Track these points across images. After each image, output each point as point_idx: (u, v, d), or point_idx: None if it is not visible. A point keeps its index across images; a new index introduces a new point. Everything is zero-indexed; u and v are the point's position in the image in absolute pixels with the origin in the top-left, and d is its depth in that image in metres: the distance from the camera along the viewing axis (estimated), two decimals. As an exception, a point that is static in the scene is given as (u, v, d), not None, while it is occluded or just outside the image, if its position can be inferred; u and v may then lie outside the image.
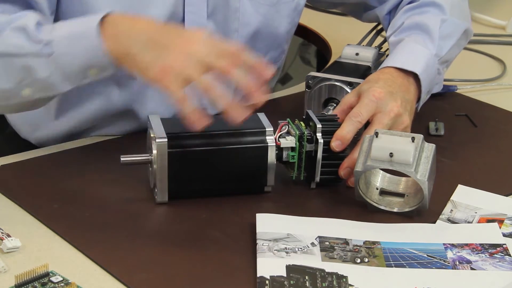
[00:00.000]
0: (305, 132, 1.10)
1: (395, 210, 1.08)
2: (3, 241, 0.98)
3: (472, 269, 0.97)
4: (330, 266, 0.96)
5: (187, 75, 1.01)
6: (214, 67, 1.01)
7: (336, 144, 1.10)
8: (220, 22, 1.28)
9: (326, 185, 1.13)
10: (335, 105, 1.24)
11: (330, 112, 1.22)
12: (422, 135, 1.06)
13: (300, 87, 1.44)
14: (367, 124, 1.15)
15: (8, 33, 1.10)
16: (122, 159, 1.09)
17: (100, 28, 1.06)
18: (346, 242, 1.01)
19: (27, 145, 1.34)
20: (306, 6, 1.89)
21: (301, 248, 0.99)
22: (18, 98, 1.13)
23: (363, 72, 1.31)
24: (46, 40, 1.08)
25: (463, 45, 1.37)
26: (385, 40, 1.39)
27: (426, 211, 1.08)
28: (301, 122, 1.13)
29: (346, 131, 1.10)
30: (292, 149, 1.11)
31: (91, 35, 1.07)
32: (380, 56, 1.37)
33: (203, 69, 1.01)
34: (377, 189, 1.10)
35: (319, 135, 1.10)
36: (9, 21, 1.10)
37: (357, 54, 1.35)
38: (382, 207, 1.09)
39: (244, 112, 1.01)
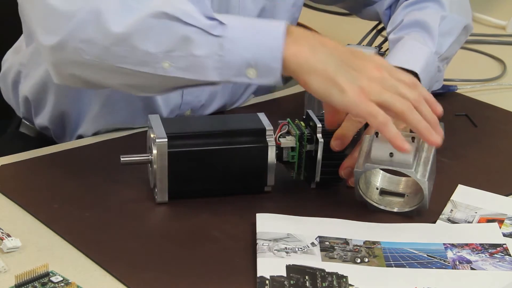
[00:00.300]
0: (305, 132, 1.10)
1: (395, 210, 1.08)
2: (3, 241, 0.98)
3: (472, 269, 0.97)
4: (330, 266, 0.96)
5: (384, 99, 1.00)
6: (406, 97, 1.02)
7: (336, 144, 1.10)
8: None
9: (326, 185, 1.13)
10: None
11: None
12: None
13: (301, 87, 1.43)
14: (367, 124, 1.14)
15: None
16: (122, 159, 1.09)
17: (287, 34, 1.01)
18: (346, 242, 1.01)
19: (28, 145, 1.34)
20: (307, 5, 1.90)
21: (301, 248, 0.99)
22: (151, 68, 1.03)
23: (363, 72, 1.31)
24: (221, 20, 1.01)
25: (463, 41, 1.37)
26: (385, 40, 1.39)
27: (426, 211, 1.08)
28: (301, 122, 1.13)
29: (346, 131, 1.10)
30: (292, 149, 1.11)
31: (274, 33, 1.00)
32: (380, 56, 1.37)
33: (396, 95, 1.01)
34: (377, 189, 1.10)
35: (319, 135, 1.10)
36: None
37: (357, 54, 1.35)
38: (382, 207, 1.09)
39: (441, 131, 1.03)
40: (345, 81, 0.99)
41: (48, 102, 1.35)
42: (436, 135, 1.02)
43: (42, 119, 1.38)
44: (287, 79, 1.04)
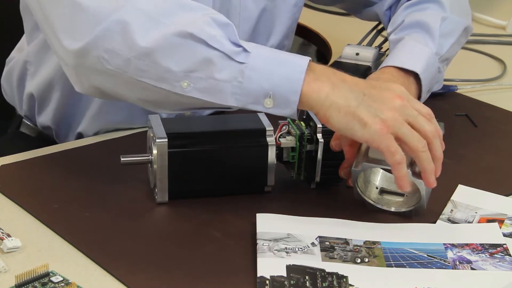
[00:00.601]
0: (306, 132, 1.10)
1: (393, 209, 1.08)
2: (3, 241, 0.98)
3: (472, 269, 0.97)
4: (330, 266, 0.96)
5: (402, 133, 1.01)
6: (424, 129, 1.03)
7: (336, 144, 1.10)
8: None
9: (326, 185, 1.13)
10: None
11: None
12: None
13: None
14: None
15: (206, 18, 1.04)
16: (122, 159, 1.09)
17: (307, 70, 1.02)
18: (346, 242, 1.01)
19: (29, 145, 1.35)
20: (307, 5, 1.90)
21: (301, 248, 0.99)
22: (170, 85, 1.04)
23: (363, 72, 1.31)
24: (246, 48, 1.03)
25: (463, 42, 1.37)
26: (385, 40, 1.40)
27: (424, 211, 1.08)
28: (301, 122, 1.13)
29: None
30: (293, 149, 1.11)
31: (296, 67, 1.02)
32: (381, 56, 1.37)
33: (413, 129, 1.03)
34: (376, 188, 1.10)
35: (319, 135, 1.10)
36: (202, 7, 1.05)
37: (357, 54, 1.35)
38: (379, 206, 1.09)
39: (439, 169, 1.05)
40: (367, 114, 1.00)
41: (53, 99, 1.35)
42: (434, 180, 1.04)
43: (44, 117, 1.38)
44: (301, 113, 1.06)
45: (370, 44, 1.43)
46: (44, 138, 1.40)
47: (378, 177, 1.11)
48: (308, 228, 1.03)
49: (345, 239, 1.02)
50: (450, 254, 1.00)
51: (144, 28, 1.03)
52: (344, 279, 0.94)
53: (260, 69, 1.02)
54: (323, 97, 1.01)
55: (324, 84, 1.02)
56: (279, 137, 1.11)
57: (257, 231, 1.02)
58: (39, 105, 1.38)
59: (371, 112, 1.01)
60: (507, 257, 0.99)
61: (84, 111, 1.32)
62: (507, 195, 1.14)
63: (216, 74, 1.02)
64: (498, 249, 1.01)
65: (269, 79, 1.02)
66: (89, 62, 1.06)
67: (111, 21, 1.04)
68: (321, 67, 1.04)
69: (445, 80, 1.36)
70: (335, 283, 0.94)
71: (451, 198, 1.12)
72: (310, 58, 1.04)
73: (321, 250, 0.99)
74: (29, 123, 1.43)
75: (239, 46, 1.03)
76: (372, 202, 1.09)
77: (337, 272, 0.95)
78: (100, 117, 1.31)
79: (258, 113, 1.12)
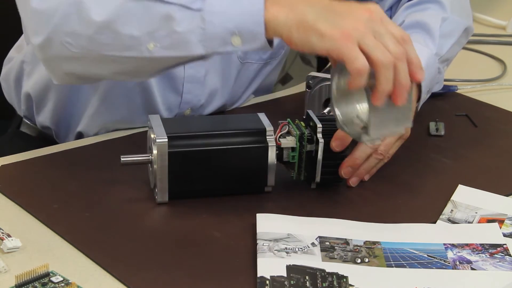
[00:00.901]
0: (306, 132, 1.10)
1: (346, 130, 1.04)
2: (3, 241, 0.98)
3: (472, 269, 0.97)
4: (331, 266, 0.96)
5: (365, 43, 0.97)
6: (388, 49, 0.98)
7: (336, 144, 1.10)
8: None
9: (326, 185, 1.13)
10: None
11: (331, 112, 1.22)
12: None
13: (301, 87, 1.44)
14: None
15: None
16: (122, 159, 1.09)
17: None
18: (346, 242, 1.01)
19: (29, 144, 1.35)
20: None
21: (301, 248, 0.99)
22: (137, 51, 1.04)
23: (363, 72, 1.31)
24: None
25: (464, 43, 1.37)
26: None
27: (425, 210, 1.08)
28: (302, 122, 1.13)
29: None
30: (293, 149, 1.11)
31: None
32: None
33: (380, 44, 0.98)
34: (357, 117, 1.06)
35: (319, 135, 1.10)
36: None
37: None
38: (343, 126, 1.05)
39: (405, 98, 0.99)
40: (325, 25, 0.97)
41: (50, 99, 1.35)
42: (382, 100, 0.98)
43: (43, 117, 1.38)
44: (271, 43, 1.03)
45: (370, 44, 1.42)
46: (44, 137, 1.40)
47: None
48: (308, 228, 1.03)
49: (345, 239, 1.02)
50: (450, 254, 1.00)
51: (97, 3, 1.04)
52: (344, 279, 0.94)
53: (218, 11, 1.01)
54: (283, 19, 0.99)
55: (283, 7, 1.00)
56: (279, 137, 1.11)
57: (257, 231, 1.02)
58: (36, 105, 1.38)
59: (330, 23, 0.97)
60: (507, 257, 0.99)
61: (83, 111, 1.33)
62: (507, 195, 1.14)
63: (178, 27, 1.02)
64: (498, 249, 1.01)
65: (230, 18, 1.01)
66: (55, 50, 1.08)
67: (66, 5, 1.05)
68: None
69: (445, 80, 1.36)
70: (335, 283, 0.94)
71: (451, 198, 1.12)
72: None
73: (321, 250, 0.99)
74: (29, 123, 1.43)
75: None
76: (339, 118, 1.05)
77: (337, 272, 0.95)
78: (99, 116, 1.31)
79: (258, 113, 1.12)
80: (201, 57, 1.04)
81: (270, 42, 1.02)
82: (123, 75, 1.13)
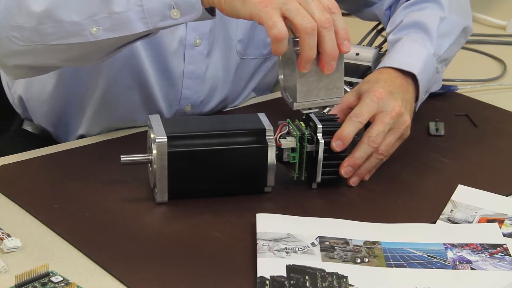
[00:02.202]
0: (306, 133, 1.10)
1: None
2: (3, 241, 0.98)
3: (472, 269, 0.97)
4: (330, 266, 0.96)
5: (287, 9, 0.97)
6: (313, 16, 0.97)
7: (336, 144, 1.10)
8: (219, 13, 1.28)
9: (327, 185, 1.13)
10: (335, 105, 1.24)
11: (330, 112, 1.22)
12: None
13: (300, 87, 1.44)
14: (368, 125, 1.15)
15: None
16: (122, 159, 1.09)
17: None
18: (346, 242, 1.01)
19: (31, 142, 1.35)
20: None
21: (301, 248, 0.99)
22: (82, 37, 1.06)
23: (363, 72, 1.31)
24: None
25: (462, 43, 1.37)
26: (385, 40, 1.39)
27: (425, 210, 1.08)
28: (301, 123, 1.13)
29: (346, 132, 1.11)
30: (293, 149, 1.11)
31: None
32: (381, 56, 1.37)
33: (303, 10, 0.97)
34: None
35: (319, 135, 1.10)
36: None
37: (357, 54, 1.35)
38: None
39: (332, 67, 0.99)
40: None
41: (44, 102, 1.35)
42: (307, 67, 0.99)
43: (39, 120, 1.38)
44: (213, 11, 1.04)
45: (370, 44, 1.43)
46: (46, 135, 1.40)
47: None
48: (308, 228, 1.03)
49: (345, 239, 1.02)
50: (450, 254, 1.00)
51: None
52: (344, 279, 0.94)
53: None
54: None
55: None
56: (279, 137, 1.11)
57: (257, 231, 1.02)
58: (30, 109, 1.39)
59: None
60: (507, 257, 0.99)
61: (82, 113, 1.32)
62: (507, 195, 1.14)
63: (116, 7, 1.04)
64: (498, 249, 1.01)
65: None
66: (3, 46, 1.10)
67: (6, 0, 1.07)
68: None
69: (445, 80, 1.37)
70: (335, 283, 0.94)
71: (451, 198, 1.12)
72: None
73: (321, 250, 0.99)
74: (30, 121, 1.43)
75: None
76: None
77: (337, 272, 0.95)
78: (99, 118, 1.31)
79: (258, 114, 1.12)
80: (146, 34, 1.06)
81: (211, 11, 1.03)
82: (72, 61, 1.15)
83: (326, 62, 0.99)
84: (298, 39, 0.98)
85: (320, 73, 1.00)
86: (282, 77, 1.04)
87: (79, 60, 1.15)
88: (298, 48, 0.98)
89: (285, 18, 0.97)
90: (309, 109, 1.03)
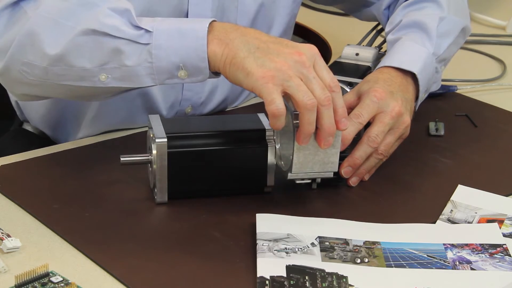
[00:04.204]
0: (305, 132, 1.10)
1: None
2: (3, 241, 0.98)
3: (472, 269, 0.97)
4: (330, 266, 0.96)
5: (288, 86, 0.99)
6: (314, 93, 1.00)
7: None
8: (219, 12, 1.28)
9: (327, 185, 1.13)
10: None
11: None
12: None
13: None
14: (367, 125, 1.15)
15: (107, 11, 1.06)
16: (122, 159, 1.09)
17: (208, 30, 1.04)
18: (346, 242, 1.01)
19: (32, 142, 1.35)
20: (307, 6, 1.90)
21: (301, 248, 0.99)
22: (91, 82, 1.08)
23: (363, 72, 1.31)
24: (147, 28, 1.05)
25: (461, 43, 1.37)
26: (385, 40, 1.39)
27: (425, 211, 1.08)
28: (301, 122, 1.13)
29: (347, 132, 1.10)
30: (292, 149, 1.11)
31: (196, 34, 1.04)
32: (380, 56, 1.37)
33: (304, 87, 0.99)
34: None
35: (319, 135, 1.10)
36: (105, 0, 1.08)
37: (357, 54, 1.35)
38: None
39: (329, 142, 1.02)
40: (252, 64, 1.00)
41: (41, 105, 1.35)
42: (306, 141, 1.01)
43: (37, 123, 1.38)
44: (218, 73, 1.07)
45: (370, 44, 1.43)
46: (46, 136, 1.40)
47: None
48: (308, 228, 1.03)
49: (345, 239, 1.02)
50: (450, 254, 1.00)
51: (50, 36, 1.07)
52: (344, 279, 0.94)
53: (164, 45, 1.05)
54: (220, 55, 1.03)
55: (222, 41, 1.03)
56: (279, 137, 1.10)
57: (257, 231, 1.02)
58: (27, 112, 1.39)
59: (258, 63, 1.00)
60: (507, 257, 0.99)
61: (81, 117, 1.32)
62: (507, 195, 1.14)
63: (127, 61, 1.06)
64: (498, 249, 1.01)
65: (176, 53, 1.04)
66: (13, 77, 1.12)
67: (22, 35, 1.09)
68: (222, 25, 1.05)
69: (445, 80, 1.36)
70: (335, 283, 0.94)
71: (451, 198, 1.12)
72: (211, 19, 1.05)
73: (321, 250, 0.99)
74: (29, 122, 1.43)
75: (141, 28, 1.05)
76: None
77: (337, 272, 0.95)
78: (99, 121, 1.31)
79: (258, 114, 1.12)
80: (152, 86, 1.09)
81: (216, 73, 1.06)
82: (79, 98, 1.19)
83: (323, 137, 1.02)
84: (298, 112, 1.01)
85: (317, 147, 1.03)
86: (279, 145, 1.08)
87: (85, 98, 1.18)
88: (298, 121, 1.01)
89: (286, 94, 1.00)
90: (302, 179, 1.07)
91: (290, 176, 1.05)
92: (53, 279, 0.92)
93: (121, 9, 1.07)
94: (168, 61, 1.05)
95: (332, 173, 1.07)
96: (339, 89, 1.02)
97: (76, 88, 1.10)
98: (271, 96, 0.98)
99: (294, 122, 1.01)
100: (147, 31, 1.05)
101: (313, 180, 1.12)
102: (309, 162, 1.04)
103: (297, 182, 1.07)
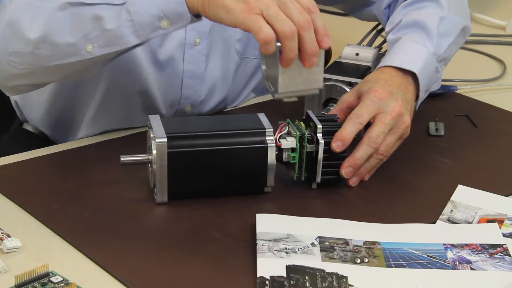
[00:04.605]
0: (306, 133, 1.10)
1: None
2: (3, 241, 0.98)
3: (472, 269, 0.97)
4: (330, 266, 0.96)
5: (267, 15, 1.00)
6: (292, 18, 1.01)
7: (336, 145, 1.10)
8: None
9: (327, 186, 1.13)
10: (335, 105, 1.24)
11: (330, 112, 1.22)
12: None
13: (300, 87, 1.43)
14: (368, 126, 1.15)
15: None
16: (122, 159, 1.09)
17: None
18: (346, 242, 1.01)
19: (32, 142, 1.35)
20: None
21: (301, 248, 0.99)
22: (79, 55, 1.09)
23: (363, 72, 1.31)
24: None
25: (461, 42, 1.37)
26: (385, 40, 1.40)
27: (425, 209, 1.08)
28: (301, 123, 1.13)
29: (346, 132, 1.11)
30: (293, 149, 1.11)
31: None
32: (380, 56, 1.37)
33: (282, 14, 1.01)
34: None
35: (319, 135, 1.10)
36: None
37: (357, 54, 1.35)
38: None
39: (313, 62, 1.03)
40: (231, 1, 1.01)
41: (40, 105, 1.35)
42: (290, 63, 1.02)
43: (37, 123, 1.38)
44: (199, 16, 1.08)
45: (370, 44, 1.43)
46: (46, 136, 1.40)
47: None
48: (308, 228, 1.03)
49: (345, 239, 1.02)
50: (450, 254, 1.00)
51: (29, 20, 1.08)
52: (344, 279, 0.94)
53: (140, 0, 1.06)
54: None
55: None
56: (279, 138, 1.11)
57: (257, 231, 1.02)
58: (26, 112, 1.39)
59: None
60: (507, 257, 0.99)
61: (81, 117, 1.32)
62: (507, 195, 1.14)
63: (108, 25, 1.07)
64: (498, 249, 1.01)
65: (153, 4, 1.06)
66: (3, 69, 1.13)
67: (3, 27, 1.10)
68: None
69: (445, 80, 1.36)
70: (335, 283, 0.94)
71: (451, 198, 1.12)
72: None
73: (321, 250, 0.99)
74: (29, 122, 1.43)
75: None
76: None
77: (337, 272, 0.95)
78: (98, 122, 1.31)
79: (258, 114, 1.12)
80: (138, 44, 1.09)
81: (197, 15, 1.06)
82: (72, 77, 1.19)
83: (307, 58, 1.03)
84: None
85: (301, 67, 1.04)
86: (265, 67, 1.08)
87: (78, 75, 1.19)
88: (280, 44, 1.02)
89: (268, 23, 1.01)
90: (289, 97, 1.07)
91: (277, 96, 1.06)
92: (53, 279, 0.92)
93: None
94: (148, 14, 1.06)
95: (318, 90, 1.07)
96: (317, 9, 1.04)
97: (66, 66, 1.11)
98: (257, 25, 1.00)
99: (277, 44, 1.02)
100: None
101: (313, 180, 1.12)
102: (295, 81, 1.05)
103: (285, 100, 1.07)
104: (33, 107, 1.38)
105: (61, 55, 1.09)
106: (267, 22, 1.00)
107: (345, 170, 1.12)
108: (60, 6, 1.07)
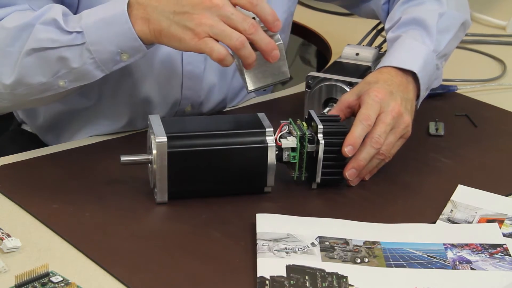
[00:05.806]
0: (307, 133, 1.10)
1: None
2: (3, 241, 0.98)
3: (472, 269, 0.97)
4: (330, 266, 0.96)
5: (215, 34, 1.05)
6: (238, 29, 1.05)
7: (348, 150, 1.10)
8: None
9: (327, 186, 1.13)
10: (335, 105, 1.24)
11: (330, 112, 1.22)
12: None
13: (300, 87, 1.44)
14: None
15: (39, 27, 1.12)
16: (122, 159, 1.09)
17: (128, 12, 1.09)
18: (346, 242, 1.01)
19: (31, 143, 1.35)
20: (306, 5, 1.89)
21: (301, 248, 0.99)
22: (53, 90, 1.15)
23: (363, 72, 1.31)
24: (77, 30, 1.11)
25: (461, 37, 1.37)
26: (385, 40, 1.39)
27: (425, 209, 1.08)
28: (303, 122, 1.13)
29: (357, 136, 1.11)
30: (293, 149, 1.11)
31: (120, 20, 1.09)
32: (380, 56, 1.37)
33: (228, 29, 1.06)
34: None
35: (320, 135, 1.10)
36: (37, 16, 1.13)
37: (357, 54, 1.35)
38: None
39: (276, 55, 1.08)
40: (178, 30, 1.07)
41: (38, 110, 1.35)
42: (252, 66, 1.08)
43: (35, 127, 1.38)
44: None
45: (370, 44, 1.43)
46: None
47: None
48: (308, 228, 1.03)
49: (345, 239, 1.02)
50: (450, 254, 1.00)
51: (1, 66, 1.15)
52: (344, 279, 0.94)
53: (98, 39, 1.11)
54: (148, 31, 1.09)
55: (143, 18, 1.09)
56: (280, 137, 1.11)
57: (257, 231, 1.02)
58: (25, 115, 1.39)
59: (181, 26, 1.06)
60: (507, 257, 0.99)
61: (80, 121, 1.32)
62: (507, 195, 1.14)
63: (73, 64, 1.13)
64: (498, 249, 1.01)
65: (110, 42, 1.11)
66: None
67: None
68: (137, 0, 1.10)
69: (445, 80, 1.36)
70: (335, 283, 0.94)
71: (451, 198, 1.12)
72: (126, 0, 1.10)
73: (321, 250, 0.99)
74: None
75: (71, 32, 1.12)
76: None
77: (337, 272, 0.95)
78: (99, 128, 1.30)
79: (258, 114, 1.12)
80: (105, 74, 1.15)
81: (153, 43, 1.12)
82: (53, 101, 1.27)
83: (267, 55, 1.08)
84: None
85: (266, 62, 1.09)
86: (236, 62, 1.11)
87: (59, 99, 1.25)
88: None
89: (216, 40, 1.06)
90: (264, 89, 1.14)
91: (248, 91, 1.12)
92: (53, 279, 0.92)
93: (50, 20, 1.12)
94: (107, 52, 1.11)
95: (287, 78, 1.12)
96: (258, 2, 1.07)
97: (45, 98, 1.18)
98: (207, 47, 1.05)
99: (235, 53, 1.07)
100: (78, 32, 1.11)
101: (313, 180, 1.12)
102: (262, 77, 1.11)
103: (260, 90, 1.13)
104: (30, 113, 1.38)
105: (37, 92, 1.16)
106: (217, 40, 1.06)
107: (349, 172, 1.12)
108: (26, 52, 1.13)
